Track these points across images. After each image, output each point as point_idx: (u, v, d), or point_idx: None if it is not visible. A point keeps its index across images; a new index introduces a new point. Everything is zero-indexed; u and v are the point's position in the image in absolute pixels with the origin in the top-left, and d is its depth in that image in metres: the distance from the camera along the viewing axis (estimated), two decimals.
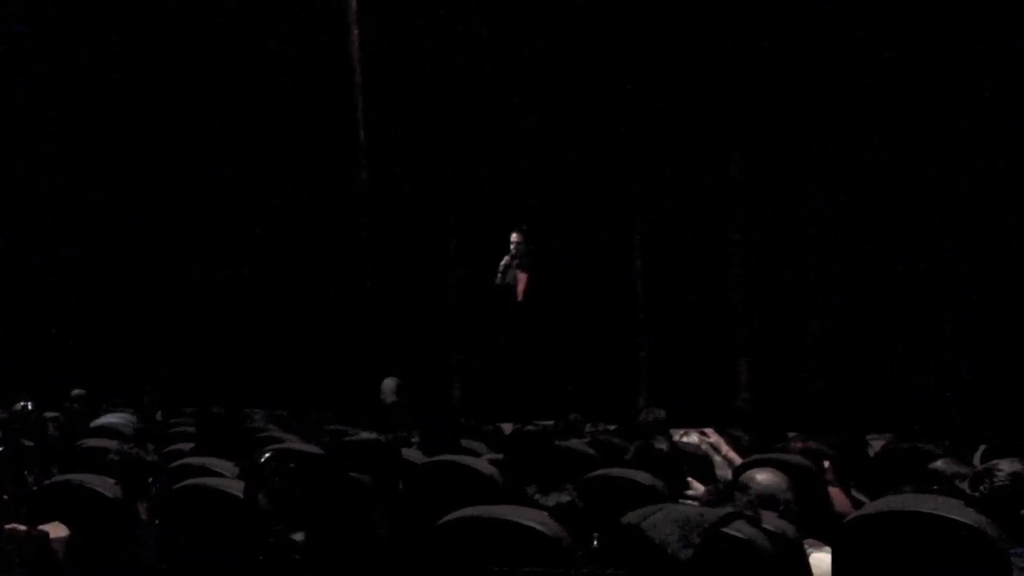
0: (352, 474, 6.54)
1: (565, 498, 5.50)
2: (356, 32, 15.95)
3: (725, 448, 8.53)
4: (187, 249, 17.03)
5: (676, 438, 8.46)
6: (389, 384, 12.98)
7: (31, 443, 9.61)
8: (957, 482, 5.81)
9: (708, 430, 8.68)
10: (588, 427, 10.47)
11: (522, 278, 13.46)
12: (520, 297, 13.46)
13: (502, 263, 13.45)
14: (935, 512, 4.80)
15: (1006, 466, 5.32)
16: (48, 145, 18.00)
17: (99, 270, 17.54)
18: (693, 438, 8.45)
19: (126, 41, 17.35)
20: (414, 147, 15.72)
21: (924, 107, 12.46)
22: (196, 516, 6.23)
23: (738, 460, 8.38)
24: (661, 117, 13.98)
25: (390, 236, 15.87)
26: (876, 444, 9.21)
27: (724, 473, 8.04)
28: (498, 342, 13.82)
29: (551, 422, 10.92)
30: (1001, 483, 5.22)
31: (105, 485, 6.54)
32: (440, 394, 14.71)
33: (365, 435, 8.46)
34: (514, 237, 13.54)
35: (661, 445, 7.19)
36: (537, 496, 5.49)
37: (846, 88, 12.86)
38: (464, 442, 8.94)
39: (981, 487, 5.22)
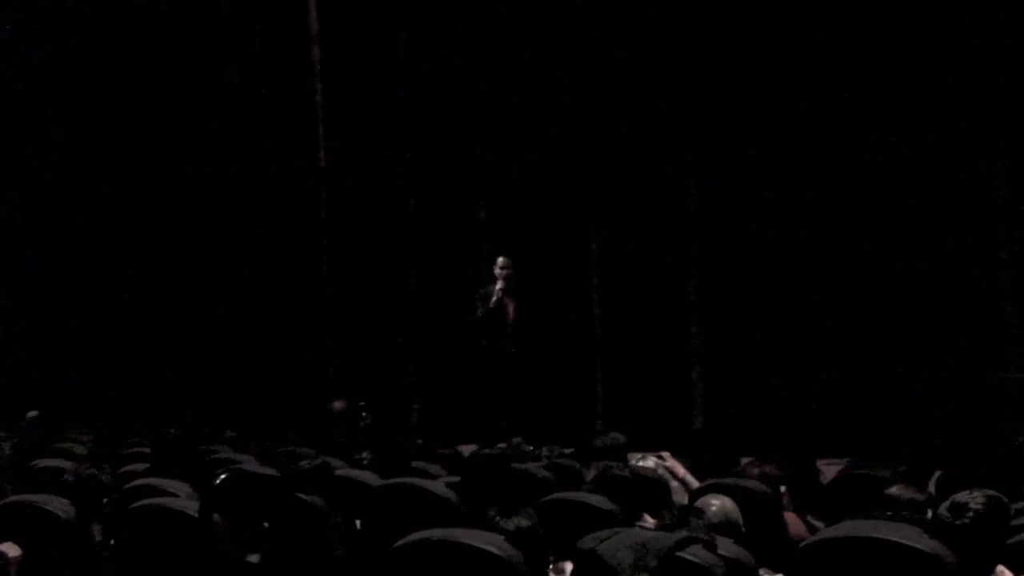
0: (303, 496, 6.52)
1: (525, 522, 5.49)
2: (317, 51, 15.96)
3: (682, 471, 8.52)
4: (141, 270, 16.95)
5: (633, 462, 8.45)
6: (337, 406, 12.98)
7: None
8: (934, 510, 5.83)
9: (665, 453, 8.67)
10: (544, 451, 10.45)
11: (511, 304, 13.14)
12: (512, 324, 13.17)
13: (495, 289, 13.02)
14: (890, 538, 4.81)
15: (979, 495, 5.38)
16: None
17: (54, 291, 17.47)
18: (650, 462, 8.44)
19: (83, 49, 17.34)
20: (373, 168, 15.72)
21: (900, 110, 12.42)
22: (151, 537, 6.21)
23: (695, 483, 8.38)
24: (619, 134, 13.98)
25: (349, 257, 15.85)
26: (832, 469, 9.24)
27: (680, 499, 8.05)
28: (492, 374, 13.52)
29: (504, 445, 10.94)
30: (978, 509, 5.26)
31: (59, 506, 6.51)
32: (398, 416, 14.67)
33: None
34: (501, 262, 13.10)
35: (621, 472, 7.18)
36: (498, 519, 5.48)
37: (814, 94, 12.84)
38: (421, 465, 8.93)
39: (967, 516, 5.25)
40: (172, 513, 6.22)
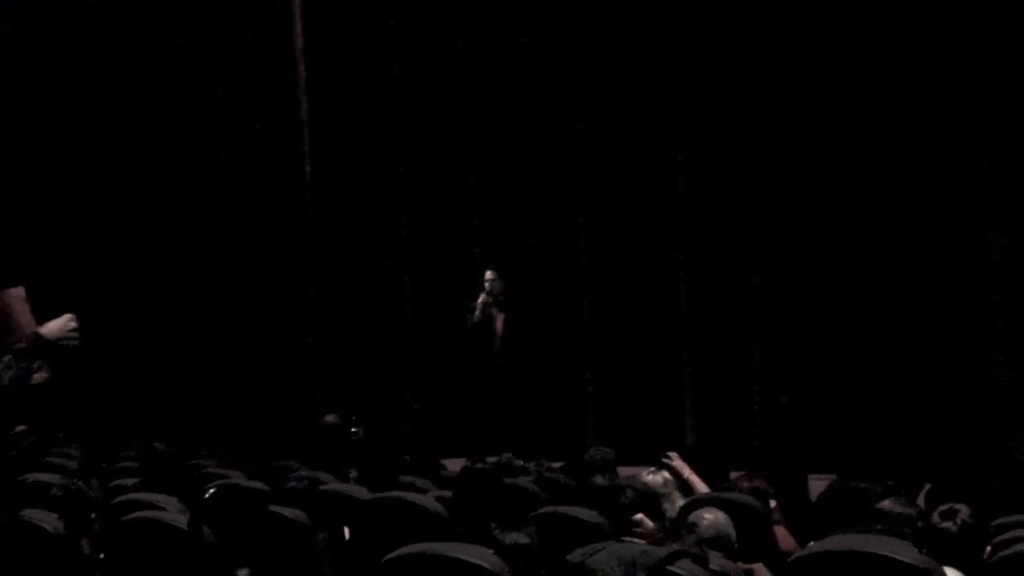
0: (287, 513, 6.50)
1: (523, 539, 5.48)
2: (303, 64, 15.96)
3: (687, 472, 8.50)
4: (129, 281, 16.91)
5: (643, 476, 8.39)
6: (328, 420, 12.97)
7: None
8: (923, 524, 5.86)
9: (672, 453, 8.64)
10: (532, 465, 10.44)
11: (499, 317, 13.31)
12: (500, 336, 13.31)
13: (478, 302, 13.28)
14: (879, 552, 4.81)
15: (964, 508, 5.44)
16: None
17: (41, 302, 17.39)
18: (658, 477, 8.36)
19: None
20: (361, 177, 15.72)
21: (897, 111, 12.41)
22: (141, 550, 6.19)
23: (700, 484, 8.40)
24: (610, 146, 14.00)
25: (340, 270, 15.85)
26: (821, 484, 9.22)
27: (681, 502, 8.01)
28: (478, 384, 13.62)
29: (494, 459, 10.93)
30: (969, 514, 5.34)
31: (48, 520, 6.49)
32: (389, 430, 14.63)
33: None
34: (488, 275, 13.36)
35: (602, 482, 7.18)
36: (497, 533, 5.48)
37: (811, 97, 12.85)
38: (411, 479, 8.91)
39: (957, 519, 5.32)
40: (162, 526, 6.21)
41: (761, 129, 13.16)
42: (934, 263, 12.31)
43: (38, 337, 5.23)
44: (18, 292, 5.35)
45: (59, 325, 5.32)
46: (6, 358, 5.08)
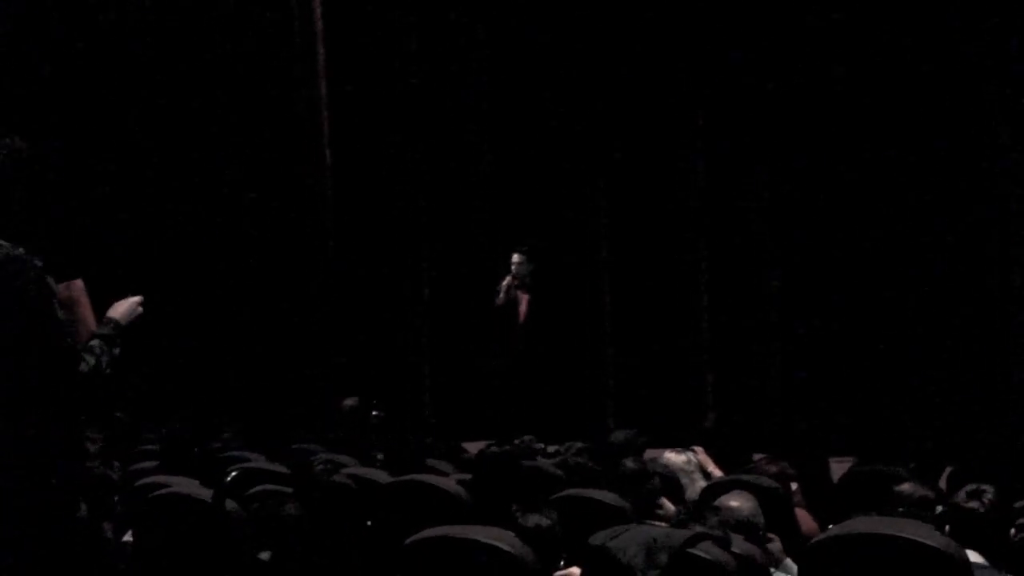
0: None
1: (544, 521, 5.50)
2: (322, 51, 15.96)
3: (712, 466, 8.51)
4: (148, 268, 16.91)
5: (667, 454, 8.39)
6: (347, 403, 13.00)
7: None
8: (945, 507, 5.86)
9: (697, 448, 8.65)
10: (556, 448, 10.44)
11: (524, 299, 13.41)
12: (523, 319, 13.41)
13: (503, 283, 13.37)
14: (901, 534, 4.81)
15: (989, 488, 5.44)
16: None
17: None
18: (673, 457, 8.36)
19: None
20: (381, 161, 15.73)
21: (910, 108, 12.40)
22: (168, 526, 6.23)
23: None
24: (629, 129, 14.00)
25: (359, 254, 15.85)
26: (843, 467, 9.23)
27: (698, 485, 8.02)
28: (498, 364, 13.71)
29: (517, 442, 10.95)
30: (992, 501, 5.34)
31: None
32: (410, 413, 14.66)
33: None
34: (515, 258, 13.43)
35: (630, 465, 7.18)
36: (518, 515, 5.50)
37: (824, 91, 12.84)
38: (432, 462, 8.92)
39: (985, 499, 5.33)
40: (188, 500, 6.25)
41: (763, 125, 13.19)
42: (954, 249, 12.29)
43: (118, 324, 5.28)
44: (79, 284, 5.38)
45: (129, 310, 5.37)
46: (97, 343, 5.11)
